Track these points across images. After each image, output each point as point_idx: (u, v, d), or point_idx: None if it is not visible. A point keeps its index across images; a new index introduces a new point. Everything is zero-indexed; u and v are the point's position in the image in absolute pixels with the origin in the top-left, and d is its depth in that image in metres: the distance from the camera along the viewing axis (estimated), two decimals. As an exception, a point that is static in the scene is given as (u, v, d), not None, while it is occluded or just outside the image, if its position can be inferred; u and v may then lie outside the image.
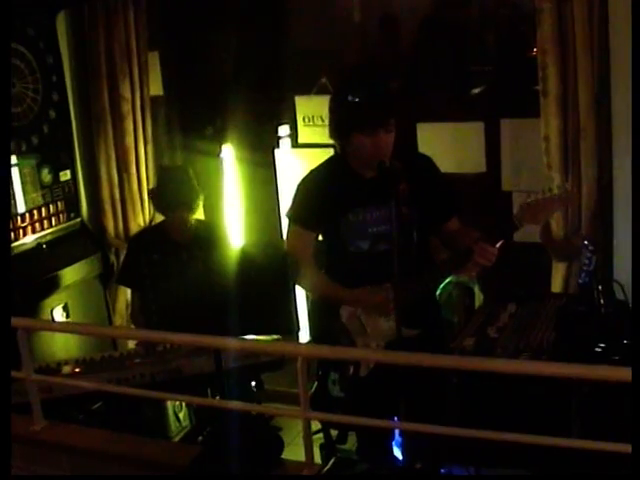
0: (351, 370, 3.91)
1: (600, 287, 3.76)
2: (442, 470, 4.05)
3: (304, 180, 3.97)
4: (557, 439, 2.54)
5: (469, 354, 3.74)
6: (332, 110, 3.79)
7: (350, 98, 3.67)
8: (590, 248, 3.87)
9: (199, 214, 5.11)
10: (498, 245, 3.66)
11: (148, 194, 5.37)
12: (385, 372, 3.54)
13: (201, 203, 4.94)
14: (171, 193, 4.85)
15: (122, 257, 5.65)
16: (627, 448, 2.70)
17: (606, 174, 4.49)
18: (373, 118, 3.62)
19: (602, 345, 3.56)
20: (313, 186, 3.93)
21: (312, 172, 3.99)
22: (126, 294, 5.69)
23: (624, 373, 2.56)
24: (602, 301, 3.74)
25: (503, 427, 2.52)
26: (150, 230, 5.39)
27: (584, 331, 3.65)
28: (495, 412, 3.58)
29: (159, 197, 4.96)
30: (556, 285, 4.74)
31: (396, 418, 3.70)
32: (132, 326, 5.30)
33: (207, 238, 4.93)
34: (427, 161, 3.99)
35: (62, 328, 5.08)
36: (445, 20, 5.46)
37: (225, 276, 4.50)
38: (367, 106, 3.63)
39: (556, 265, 4.76)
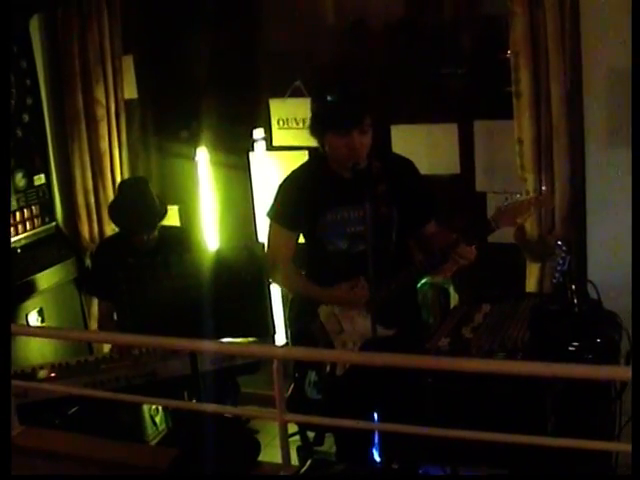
0: (327, 369, 3.93)
1: (573, 287, 3.78)
2: (419, 470, 4.07)
3: (285, 180, 4.00)
4: (532, 437, 2.55)
5: (444, 354, 3.75)
6: (311, 110, 3.82)
7: (325, 99, 3.70)
8: (564, 248, 3.89)
9: (172, 220, 5.09)
10: (475, 246, 3.69)
11: (108, 212, 5.27)
12: (361, 372, 3.56)
13: (162, 219, 4.88)
14: (127, 218, 4.82)
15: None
16: (601, 445, 2.73)
17: (579, 174, 4.53)
18: (346, 118, 3.63)
19: (575, 344, 3.58)
20: (293, 186, 3.96)
21: (293, 172, 4.02)
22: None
23: (598, 371, 2.58)
24: (576, 300, 3.76)
25: (479, 426, 2.53)
26: (113, 238, 5.33)
27: (558, 330, 3.67)
28: (471, 411, 3.59)
29: (116, 220, 4.94)
30: (530, 285, 4.77)
31: (374, 418, 3.72)
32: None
33: (174, 243, 4.88)
34: (408, 163, 4.02)
35: (38, 332, 5.06)
36: (418, 22, 5.48)
37: (198, 280, 4.50)
38: (340, 106, 3.66)
39: (530, 265, 4.78)
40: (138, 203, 4.77)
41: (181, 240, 4.96)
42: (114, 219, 4.97)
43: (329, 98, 3.70)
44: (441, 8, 5.51)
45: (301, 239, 4.07)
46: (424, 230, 3.99)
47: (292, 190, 3.95)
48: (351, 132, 3.63)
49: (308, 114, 3.85)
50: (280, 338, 4.79)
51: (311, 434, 4.84)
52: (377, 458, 4.19)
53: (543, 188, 3.81)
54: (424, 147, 5.18)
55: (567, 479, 3.55)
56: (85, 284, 5.46)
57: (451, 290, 5.10)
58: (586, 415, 3.55)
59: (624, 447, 2.50)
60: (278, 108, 5.61)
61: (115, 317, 5.09)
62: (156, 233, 4.83)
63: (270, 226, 4.03)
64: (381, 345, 3.52)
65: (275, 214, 3.98)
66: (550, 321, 3.74)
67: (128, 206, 4.80)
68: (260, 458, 3.54)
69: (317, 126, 3.76)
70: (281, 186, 3.99)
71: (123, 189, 5.08)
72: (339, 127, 3.64)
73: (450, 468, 3.84)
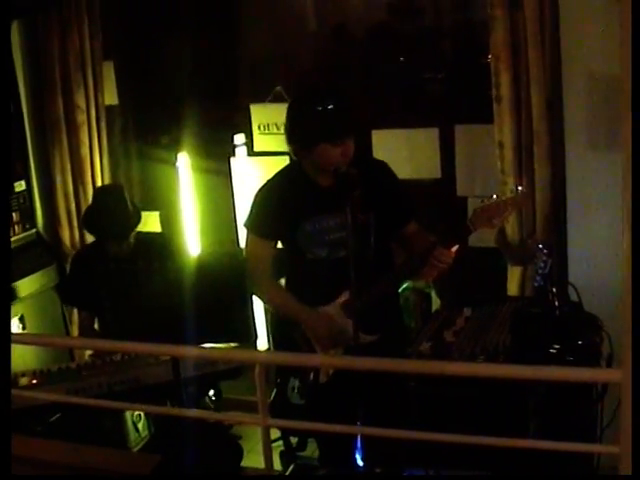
0: (311, 377, 3.93)
1: (554, 290, 3.80)
2: (403, 474, 4.07)
3: (261, 189, 3.98)
4: (515, 440, 2.56)
5: (426, 358, 3.76)
6: (296, 121, 3.79)
7: (318, 109, 3.67)
8: (545, 251, 3.90)
9: (153, 226, 5.07)
10: (454, 249, 3.69)
11: (82, 219, 5.25)
12: (344, 378, 3.55)
13: (136, 227, 4.83)
14: (102, 226, 4.77)
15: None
16: (583, 447, 2.73)
17: (559, 178, 4.54)
18: (342, 127, 3.64)
19: (557, 346, 3.60)
20: (269, 195, 3.94)
21: (269, 181, 4.00)
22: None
23: (579, 374, 2.59)
24: (556, 303, 3.78)
25: (462, 429, 2.53)
26: (89, 248, 5.31)
27: (539, 333, 3.68)
28: (453, 415, 3.60)
29: (90, 228, 4.93)
30: (512, 289, 4.78)
31: (357, 423, 3.72)
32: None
33: (153, 249, 4.87)
34: (383, 167, 4.01)
35: (18, 340, 5.04)
36: (399, 27, 5.49)
37: (180, 286, 4.50)
38: (336, 116, 3.65)
39: (512, 269, 4.80)
40: (111, 211, 4.74)
41: (161, 246, 4.94)
42: (87, 227, 4.95)
43: (324, 108, 3.67)
44: (422, 13, 5.52)
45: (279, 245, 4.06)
46: (405, 231, 3.99)
47: (268, 200, 3.93)
48: (345, 141, 3.64)
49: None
50: (262, 343, 4.79)
51: (294, 440, 4.84)
52: (360, 462, 4.19)
53: (519, 188, 3.80)
54: (405, 152, 5.19)
55: (549, 481, 3.57)
56: (63, 294, 5.44)
57: (433, 294, 5.11)
58: (568, 417, 3.56)
59: (608, 449, 2.50)
60: (259, 113, 5.61)
61: (96, 325, 5.08)
62: (132, 240, 4.80)
63: (247, 236, 4.02)
64: (363, 351, 3.52)
65: (252, 224, 3.97)
66: (531, 324, 3.76)
67: (101, 214, 4.78)
68: (243, 463, 3.54)
69: (307, 136, 3.73)
70: (257, 196, 3.97)
71: (97, 196, 5.09)
72: (336, 137, 3.64)
73: (433, 471, 3.85)
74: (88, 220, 4.90)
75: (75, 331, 5.85)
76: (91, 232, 4.93)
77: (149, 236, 5.02)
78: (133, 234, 4.78)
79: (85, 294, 4.94)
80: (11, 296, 4.00)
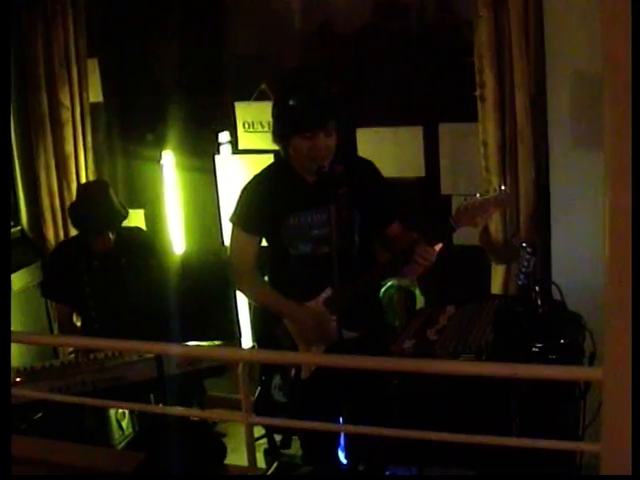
0: (292, 373, 3.93)
1: (537, 288, 3.81)
2: (386, 472, 4.08)
3: (248, 184, 3.98)
4: (497, 438, 2.57)
5: (409, 356, 3.77)
6: (273, 115, 3.81)
7: (290, 102, 3.69)
8: (528, 250, 3.91)
9: (138, 224, 5.07)
10: (437, 247, 3.69)
11: (68, 212, 5.25)
12: (326, 375, 3.56)
13: (122, 221, 4.86)
14: (85, 218, 4.78)
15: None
16: (564, 445, 2.75)
17: (543, 177, 4.56)
18: (312, 121, 3.63)
19: (539, 345, 3.61)
20: (256, 189, 3.94)
21: (256, 176, 4.00)
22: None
23: (561, 372, 2.60)
24: (539, 302, 3.79)
25: (445, 427, 2.54)
26: (70, 242, 5.31)
27: (522, 331, 3.70)
28: (437, 413, 3.61)
29: (74, 220, 4.92)
30: (496, 287, 4.80)
31: (340, 420, 3.73)
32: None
33: (135, 245, 4.87)
34: (369, 165, 4.01)
35: (19, 339, 5.02)
36: (384, 26, 5.50)
37: (164, 283, 4.49)
38: (306, 109, 3.65)
39: (495, 267, 4.81)
40: (97, 204, 4.74)
41: (143, 242, 4.95)
42: (73, 220, 4.94)
43: (295, 101, 3.69)
44: (407, 12, 5.52)
45: (264, 242, 4.06)
46: (388, 232, 3.98)
47: (255, 194, 3.93)
48: (317, 134, 3.64)
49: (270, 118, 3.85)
50: (246, 341, 4.79)
51: (278, 437, 4.85)
52: (343, 460, 4.20)
53: (502, 187, 3.80)
54: (390, 150, 5.21)
55: (532, 479, 3.58)
56: (43, 288, 5.42)
57: (417, 292, 5.12)
58: (550, 416, 3.58)
59: (589, 447, 2.52)
60: (244, 111, 5.61)
61: (77, 321, 5.07)
62: (112, 235, 4.80)
63: (233, 231, 4.02)
64: (345, 348, 3.52)
65: (238, 219, 3.97)
66: (514, 322, 3.77)
67: (87, 207, 4.77)
68: (227, 461, 3.54)
69: (282, 130, 3.75)
70: (244, 190, 3.97)
71: (83, 190, 5.09)
72: (305, 130, 3.64)
73: (417, 469, 3.86)
74: (74, 213, 4.89)
75: (59, 329, 5.85)
76: (77, 225, 4.92)
77: (130, 232, 5.01)
78: (113, 233, 4.78)
79: (65, 289, 4.93)
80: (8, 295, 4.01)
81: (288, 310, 3.91)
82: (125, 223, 4.88)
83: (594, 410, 3.42)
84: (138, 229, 5.24)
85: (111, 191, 4.81)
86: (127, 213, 4.86)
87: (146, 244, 4.93)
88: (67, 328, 5.04)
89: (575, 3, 4.23)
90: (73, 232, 5.73)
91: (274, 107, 3.81)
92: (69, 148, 5.71)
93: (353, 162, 3.96)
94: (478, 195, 3.70)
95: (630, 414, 1.89)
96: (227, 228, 5.01)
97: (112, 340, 3.51)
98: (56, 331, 5.86)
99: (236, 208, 3.97)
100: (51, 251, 5.50)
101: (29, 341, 4.95)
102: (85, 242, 4.83)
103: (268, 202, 3.87)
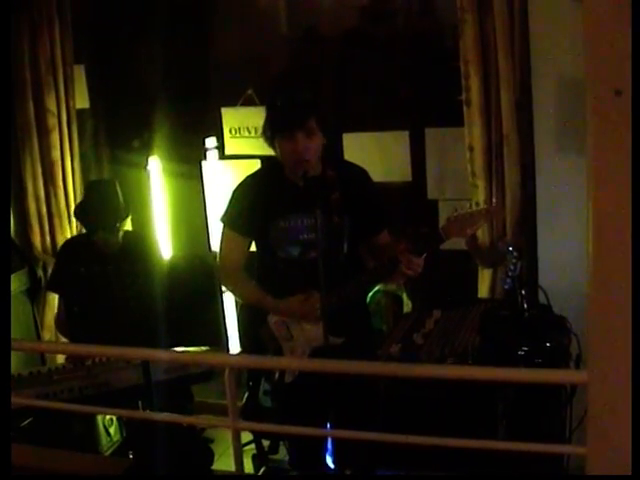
0: (276, 376, 3.92)
1: (523, 292, 3.82)
2: (373, 475, 4.09)
3: (239, 185, 3.99)
4: (484, 442, 2.57)
5: (395, 360, 3.77)
6: (264, 117, 3.83)
7: (270, 103, 3.72)
8: (515, 254, 3.93)
9: (127, 226, 5.07)
10: (423, 256, 3.69)
11: (74, 211, 5.27)
12: (311, 379, 3.56)
13: (126, 221, 4.86)
14: (92, 216, 4.77)
15: (50, 270, 5.59)
16: (551, 448, 2.75)
17: (529, 181, 4.57)
18: (289, 120, 3.64)
19: (525, 348, 3.62)
20: (247, 191, 3.94)
21: (247, 177, 4.01)
22: (54, 309, 5.62)
23: (547, 375, 2.61)
24: (525, 305, 3.80)
25: (432, 431, 2.55)
26: (78, 239, 5.31)
27: (508, 335, 3.71)
28: (423, 416, 3.62)
29: (81, 218, 4.92)
30: (483, 291, 4.80)
31: (327, 425, 3.73)
32: (59, 335, 5.24)
33: (135, 250, 4.88)
34: (362, 173, 4.00)
35: (18, 347, 5.01)
36: (370, 31, 5.51)
37: (153, 288, 4.49)
38: (283, 109, 3.67)
39: (482, 271, 4.82)
40: (102, 202, 4.75)
41: (137, 249, 4.95)
42: (78, 217, 4.96)
43: (272, 103, 3.72)
44: (393, 16, 5.54)
45: (252, 247, 4.06)
46: (376, 240, 3.98)
47: (246, 196, 3.93)
48: (295, 135, 3.63)
49: (261, 123, 3.86)
50: (233, 346, 4.79)
51: (266, 443, 4.85)
52: (330, 464, 4.20)
53: (494, 200, 3.82)
54: (376, 155, 5.21)
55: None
56: (48, 281, 5.42)
57: (404, 297, 5.13)
58: (537, 419, 3.58)
59: (575, 450, 2.53)
60: (230, 117, 5.61)
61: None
62: (120, 239, 4.81)
63: (223, 231, 4.02)
64: (330, 353, 3.52)
65: (228, 219, 3.97)
66: (500, 326, 3.78)
67: (92, 205, 4.79)
68: (215, 467, 3.54)
69: (267, 132, 3.77)
70: (235, 191, 3.98)
71: (90, 188, 5.11)
72: (283, 130, 3.65)
73: (403, 472, 3.87)
74: (79, 210, 4.91)
75: (46, 335, 5.84)
76: (81, 222, 4.94)
77: (131, 234, 5.01)
78: (121, 231, 4.79)
79: (64, 284, 4.94)
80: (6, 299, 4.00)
81: (272, 304, 3.90)
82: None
83: (581, 413, 3.43)
84: (138, 234, 5.24)
85: (118, 191, 4.82)
86: (128, 214, 4.88)
87: (136, 248, 4.92)
88: (64, 323, 5.03)
89: (560, 8, 4.25)
90: (60, 239, 5.74)
91: (265, 110, 3.84)
92: (56, 154, 5.70)
93: (346, 168, 3.96)
94: (468, 205, 3.70)
95: (616, 416, 1.90)
96: (214, 234, 5.01)
97: (99, 346, 3.50)
98: (43, 338, 5.85)
99: (227, 208, 3.97)
100: (61, 244, 5.50)
101: (17, 348, 4.94)
102: (91, 241, 4.84)
103: (258, 204, 3.87)
